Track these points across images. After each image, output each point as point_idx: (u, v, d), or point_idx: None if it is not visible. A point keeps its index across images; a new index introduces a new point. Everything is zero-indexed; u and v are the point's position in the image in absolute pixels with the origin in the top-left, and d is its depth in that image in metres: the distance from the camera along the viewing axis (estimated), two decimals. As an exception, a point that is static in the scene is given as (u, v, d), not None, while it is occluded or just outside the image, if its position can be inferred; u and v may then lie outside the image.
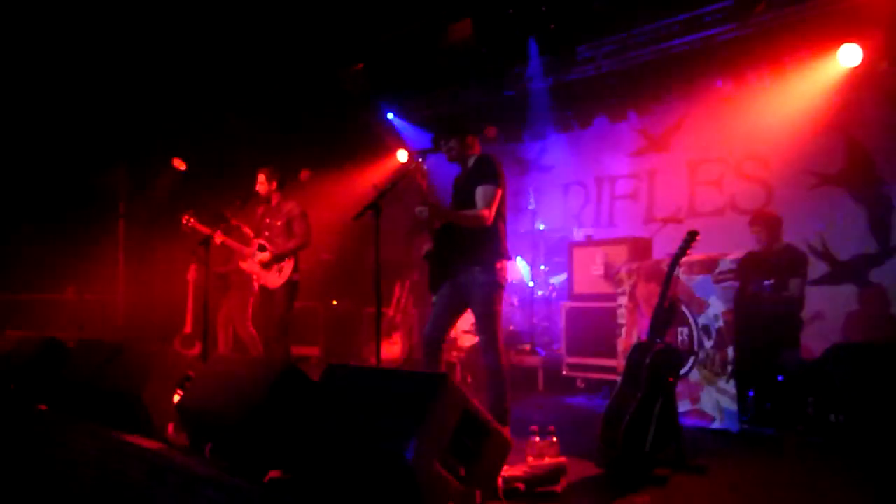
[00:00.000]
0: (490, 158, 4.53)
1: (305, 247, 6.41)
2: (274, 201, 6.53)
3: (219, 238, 6.41)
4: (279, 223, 6.41)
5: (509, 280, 7.91)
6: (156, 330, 9.14)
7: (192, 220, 6.55)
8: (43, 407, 4.79)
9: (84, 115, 9.27)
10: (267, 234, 6.44)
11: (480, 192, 4.36)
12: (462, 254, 4.40)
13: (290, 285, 6.30)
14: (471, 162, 4.58)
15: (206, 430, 3.59)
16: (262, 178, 6.50)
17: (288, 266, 6.29)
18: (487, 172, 4.43)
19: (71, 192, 9.84)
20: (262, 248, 6.39)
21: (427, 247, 4.60)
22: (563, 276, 7.90)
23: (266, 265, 6.33)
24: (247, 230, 6.77)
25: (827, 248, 7.04)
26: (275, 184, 6.50)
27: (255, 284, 7.42)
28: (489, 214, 4.33)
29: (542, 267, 8.34)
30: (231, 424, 3.36)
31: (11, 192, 9.41)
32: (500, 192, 4.40)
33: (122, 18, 7.90)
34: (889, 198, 6.78)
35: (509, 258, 4.55)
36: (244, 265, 6.50)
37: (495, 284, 4.40)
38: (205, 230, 6.46)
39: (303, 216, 6.41)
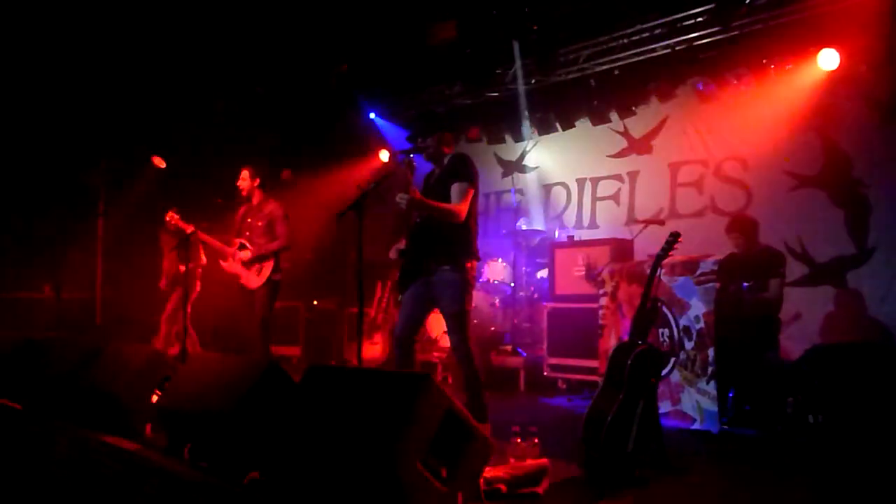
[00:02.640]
0: (464, 157, 4.55)
1: (287, 248, 6.42)
2: (255, 200, 6.50)
3: (199, 235, 6.41)
4: (260, 223, 6.38)
5: (491, 280, 7.97)
6: (134, 329, 9.05)
7: (175, 216, 6.52)
8: (19, 406, 4.73)
9: (63, 113, 9.15)
10: (248, 233, 6.41)
11: (455, 189, 4.38)
12: (433, 252, 4.41)
13: (271, 285, 6.29)
14: (445, 160, 4.59)
15: (185, 431, 3.56)
16: (245, 174, 6.46)
17: (268, 266, 6.28)
18: (462, 170, 4.44)
19: (49, 189, 9.72)
20: (242, 248, 6.36)
21: (401, 245, 4.60)
22: (545, 271, 7.91)
23: (247, 264, 6.30)
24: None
25: (805, 249, 7.10)
26: (257, 181, 6.48)
27: (199, 285, 7.50)
28: (464, 210, 4.34)
29: (524, 269, 8.35)
30: (210, 425, 3.33)
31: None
32: (472, 191, 4.41)
33: (104, 16, 7.82)
34: (866, 200, 6.85)
35: (479, 258, 4.57)
36: (225, 265, 6.45)
37: (465, 283, 4.39)
38: (187, 227, 6.43)
39: (285, 218, 6.40)
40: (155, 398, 4.12)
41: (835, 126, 7.06)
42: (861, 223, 6.87)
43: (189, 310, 7.44)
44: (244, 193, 6.49)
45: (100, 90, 8.96)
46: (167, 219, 6.56)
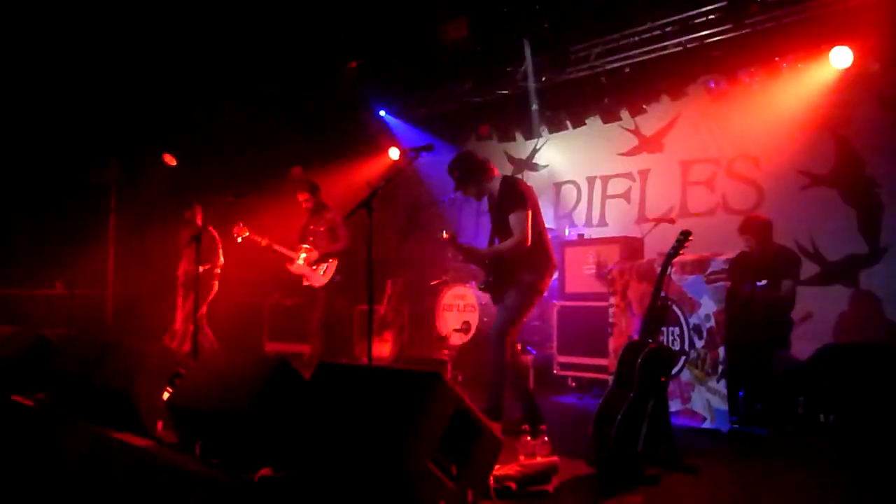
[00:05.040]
0: (512, 184, 4.81)
1: (349, 249, 7.02)
2: (318, 209, 7.16)
3: (266, 242, 7.07)
4: (322, 229, 7.08)
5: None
6: (145, 326, 9.09)
7: (245, 230, 7.15)
8: (30, 403, 4.75)
9: (75, 111, 9.20)
10: (311, 239, 7.10)
11: (513, 220, 4.65)
12: (510, 276, 4.72)
13: (333, 285, 6.99)
14: (495, 186, 4.85)
15: (197, 428, 3.57)
16: (304, 196, 7.10)
17: (332, 267, 6.97)
18: (513, 199, 4.70)
19: (61, 187, 9.78)
20: (307, 252, 7.04)
21: (480, 276, 5.10)
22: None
23: (313, 265, 6.96)
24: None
25: (817, 248, 7.06)
26: (317, 194, 7.15)
27: (216, 284, 7.64)
28: (525, 237, 4.61)
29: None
30: (221, 422, 3.34)
31: (1, 187, 9.35)
32: (529, 213, 4.65)
33: (115, 15, 7.85)
34: (879, 199, 6.80)
35: (555, 266, 4.87)
36: (291, 267, 7.11)
37: (532, 286, 4.68)
38: (256, 236, 7.10)
39: (345, 222, 6.88)
40: (166, 395, 4.14)
41: (847, 124, 7.01)
42: (873, 222, 6.82)
43: (205, 309, 7.62)
44: (310, 206, 7.13)
45: (111, 89, 9.00)
46: (235, 233, 7.11)
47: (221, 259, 7.87)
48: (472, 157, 5.00)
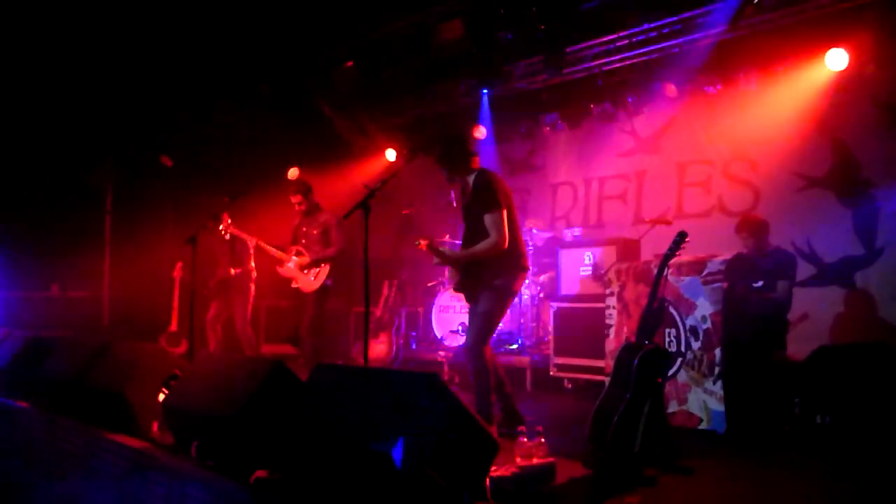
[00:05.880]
0: (487, 181, 4.63)
1: (342, 254, 6.79)
2: (310, 211, 6.92)
3: (254, 242, 6.96)
4: (315, 232, 6.84)
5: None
6: (141, 328, 9.07)
7: (230, 225, 7.02)
8: (26, 405, 4.74)
9: (70, 112, 9.18)
10: (304, 241, 6.87)
11: (489, 221, 4.52)
12: (481, 278, 4.64)
13: (324, 289, 6.73)
14: (471, 180, 4.71)
15: (192, 429, 3.56)
16: (297, 199, 6.85)
17: (323, 271, 6.73)
18: (488, 198, 4.57)
19: (57, 188, 9.75)
20: (299, 254, 6.82)
21: (453, 277, 4.89)
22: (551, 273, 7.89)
23: (304, 269, 6.74)
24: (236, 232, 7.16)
25: (813, 249, 7.08)
26: (311, 196, 6.90)
27: (253, 287, 7.54)
28: (503, 239, 4.51)
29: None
30: (217, 423, 3.33)
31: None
32: (505, 212, 4.55)
33: (110, 15, 7.83)
34: (875, 200, 6.82)
35: (526, 268, 4.77)
36: (281, 270, 6.89)
37: (504, 289, 4.60)
38: (244, 235, 7.00)
39: (339, 225, 6.79)
40: (162, 396, 4.13)
41: (843, 126, 7.03)
42: (869, 223, 6.84)
43: (249, 312, 7.63)
44: (304, 209, 6.89)
45: (107, 89, 8.98)
46: (221, 228, 7.00)
47: (253, 262, 7.75)
48: (460, 142, 4.86)
